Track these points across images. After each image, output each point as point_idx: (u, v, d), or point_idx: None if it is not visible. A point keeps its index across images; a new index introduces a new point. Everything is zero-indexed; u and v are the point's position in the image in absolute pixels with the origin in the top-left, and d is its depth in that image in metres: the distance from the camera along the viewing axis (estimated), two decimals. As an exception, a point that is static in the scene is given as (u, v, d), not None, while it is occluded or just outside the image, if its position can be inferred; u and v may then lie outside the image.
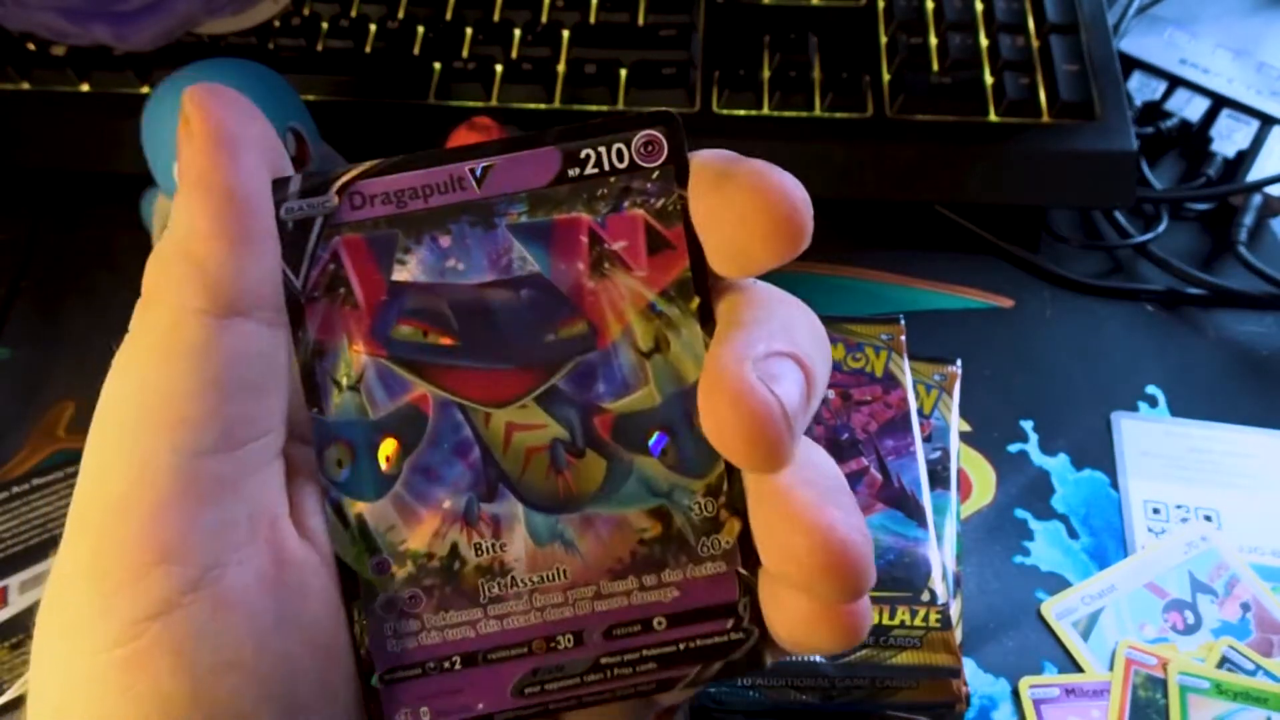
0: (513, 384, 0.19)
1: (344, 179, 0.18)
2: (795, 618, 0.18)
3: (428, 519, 0.19)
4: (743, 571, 0.19)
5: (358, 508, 0.19)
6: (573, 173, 0.18)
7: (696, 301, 0.18)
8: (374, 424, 0.18)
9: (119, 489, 0.17)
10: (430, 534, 0.19)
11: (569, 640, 0.19)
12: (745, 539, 0.19)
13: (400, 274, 0.18)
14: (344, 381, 0.18)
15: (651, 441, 0.19)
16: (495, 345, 0.18)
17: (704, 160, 0.18)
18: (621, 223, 0.18)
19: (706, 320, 0.18)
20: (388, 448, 0.18)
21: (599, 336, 0.18)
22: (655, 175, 0.18)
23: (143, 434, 0.17)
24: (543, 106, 0.48)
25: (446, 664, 0.19)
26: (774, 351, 0.17)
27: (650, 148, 0.18)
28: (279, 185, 0.18)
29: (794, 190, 0.17)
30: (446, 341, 0.18)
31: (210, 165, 0.17)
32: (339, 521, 0.18)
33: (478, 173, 0.18)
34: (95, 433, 0.17)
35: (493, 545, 0.19)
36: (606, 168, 0.18)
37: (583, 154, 0.18)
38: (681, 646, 0.19)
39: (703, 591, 0.19)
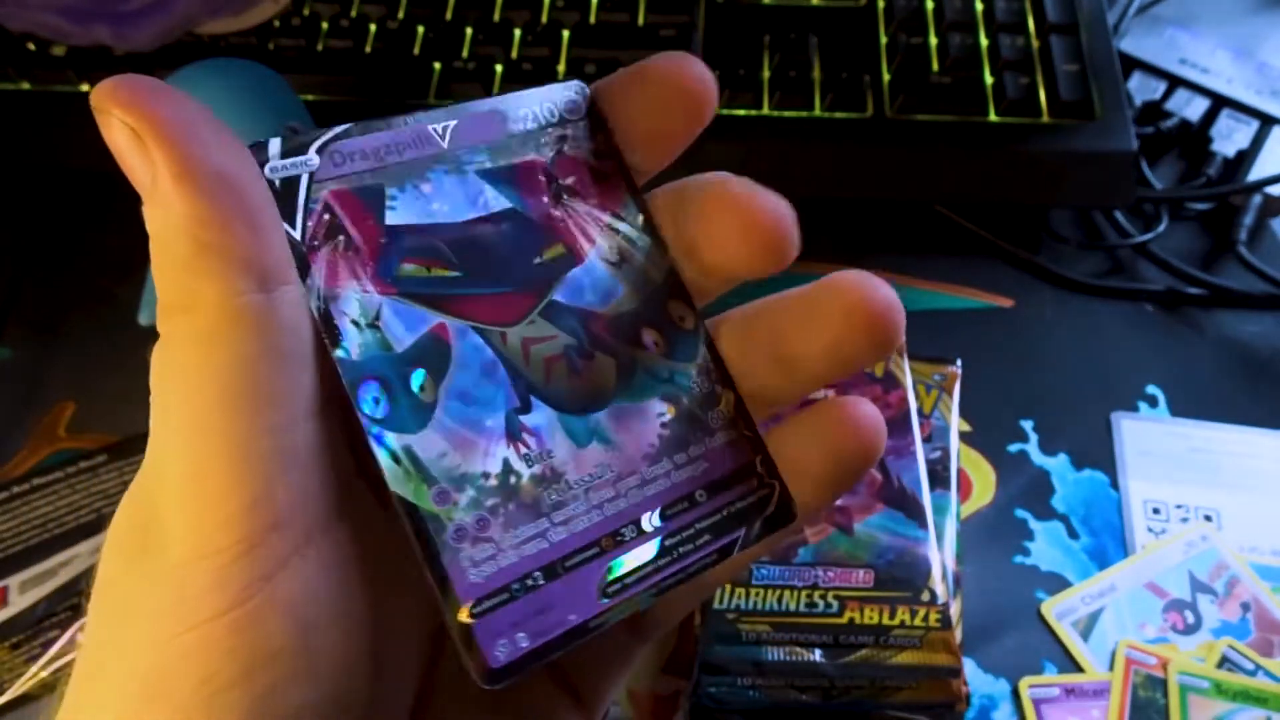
0: (518, 304, 0.20)
1: (322, 140, 0.19)
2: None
3: (474, 440, 0.19)
4: (748, 433, 0.21)
5: (404, 441, 0.18)
6: (517, 128, 0.21)
7: (642, 218, 0.21)
8: (400, 357, 0.19)
9: (224, 476, 0.16)
10: (481, 454, 0.19)
11: (633, 530, 0.20)
12: (740, 407, 0.21)
13: (393, 219, 0.19)
14: (362, 321, 0.19)
15: (644, 337, 0.21)
16: (494, 272, 0.20)
17: (617, 73, 0.21)
18: (566, 163, 0.21)
19: (654, 233, 0.21)
20: (419, 378, 0.19)
21: (576, 255, 0.21)
22: (582, 125, 0.21)
23: (237, 421, 0.17)
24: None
25: (530, 582, 0.19)
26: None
27: (572, 105, 0.21)
28: (259, 149, 0.19)
29: (697, 64, 0.20)
30: (450, 273, 0.20)
31: (185, 154, 0.16)
32: (390, 459, 0.18)
33: (440, 130, 0.20)
34: (173, 434, 0.17)
35: (540, 454, 0.19)
36: (543, 122, 0.21)
37: (522, 112, 0.21)
38: (726, 512, 0.21)
39: (725, 458, 0.21)
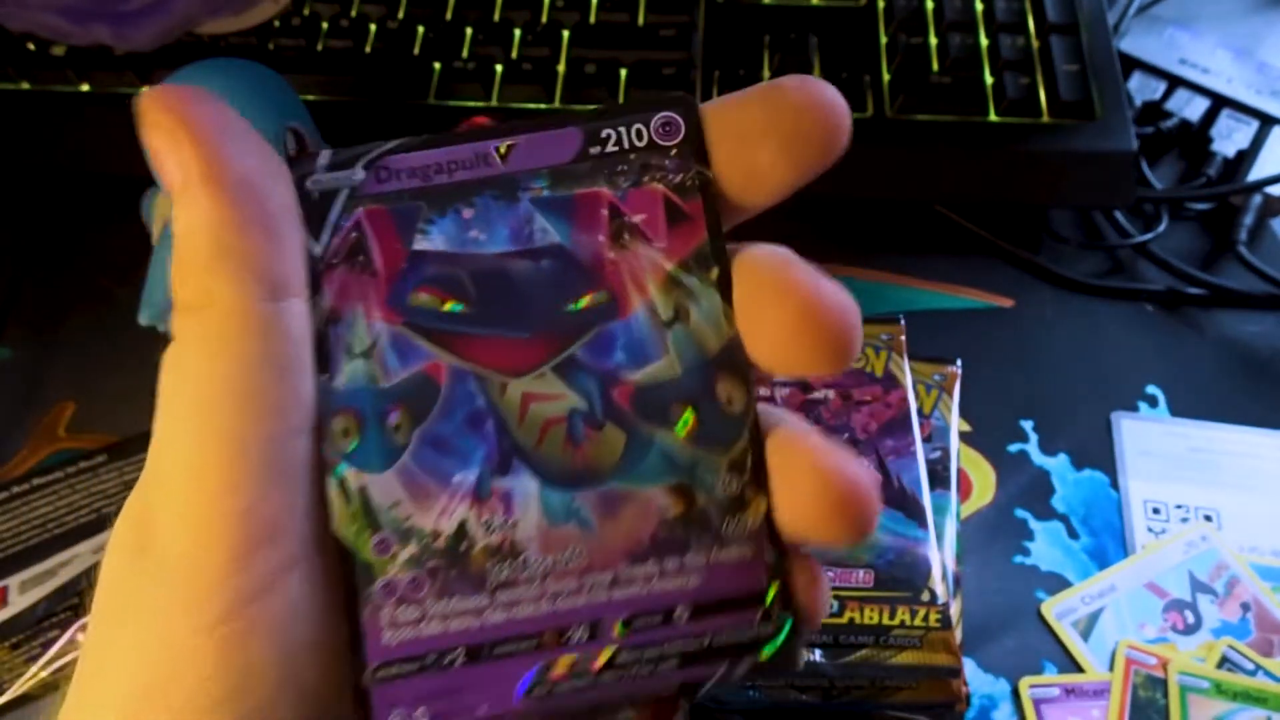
0: (530, 353, 0.18)
1: (372, 155, 0.18)
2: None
3: (436, 493, 0.18)
4: (769, 556, 0.18)
5: (361, 480, 0.17)
6: (594, 150, 0.19)
7: (716, 272, 0.18)
8: (384, 392, 0.18)
9: (220, 477, 0.17)
10: (438, 510, 0.18)
11: (584, 632, 0.18)
12: (770, 522, 0.18)
13: (421, 244, 0.18)
14: (356, 348, 0.18)
15: (673, 414, 0.18)
16: (514, 314, 0.18)
17: (735, 94, 0.19)
18: (641, 196, 0.19)
19: (726, 291, 0.18)
20: (397, 417, 0.18)
21: (619, 306, 0.18)
22: (673, 152, 0.19)
23: (236, 424, 0.17)
24: (543, 106, 0.48)
25: (448, 659, 0.17)
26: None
27: (668, 128, 0.19)
28: (307, 159, 0.18)
29: (830, 89, 0.18)
30: (464, 309, 0.18)
31: (214, 159, 0.17)
32: (340, 496, 0.17)
33: (501, 149, 0.19)
34: (174, 431, 0.17)
35: (504, 523, 0.18)
36: (626, 145, 0.19)
37: (603, 133, 0.19)
38: (707, 641, 0.18)
39: (728, 578, 0.18)
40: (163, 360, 0.17)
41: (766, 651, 0.18)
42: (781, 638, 0.18)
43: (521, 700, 0.17)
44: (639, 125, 0.19)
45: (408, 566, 0.17)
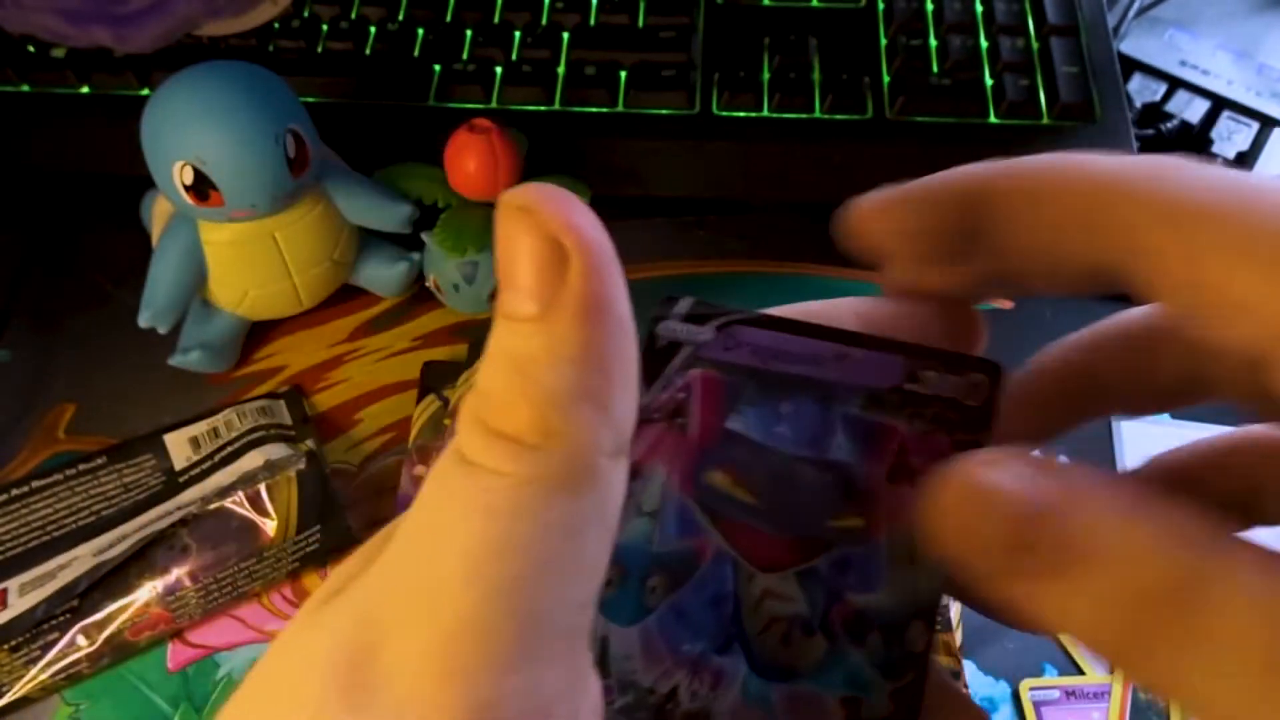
0: (786, 554, 0.19)
1: (727, 318, 0.19)
2: None
3: (664, 658, 0.19)
4: None
5: (607, 629, 0.19)
6: (909, 386, 0.20)
7: None
8: (654, 555, 0.19)
9: (504, 647, 0.14)
10: (660, 671, 0.19)
11: None
12: None
13: (734, 423, 0.19)
14: (645, 507, 0.19)
15: (871, 640, 0.19)
16: (787, 514, 0.19)
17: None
18: (928, 443, 0.19)
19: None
20: (655, 581, 0.19)
21: (867, 536, 0.19)
22: (969, 414, 0.20)
23: (544, 590, 0.14)
24: (543, 108, 0.48)
25: None
26: None
27: (975, 389, 0.20)
28: (669, 302, 0.18)
29: None
30: (748, 499, 0.19)
31: (604, 289, 0.15)
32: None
33: (836, 356, 0.19)
34: (449, 573, 0.14)
35: (708, 696, 0.19)
36: (934, 391, 0.20)
37: (921, 373, 0.20)
38: None
39: None
40: (439, 469, 0.15)
41: None
42: None
43: None
44: (953, 378, 0.20)
45: (617, 715, 0.19)
